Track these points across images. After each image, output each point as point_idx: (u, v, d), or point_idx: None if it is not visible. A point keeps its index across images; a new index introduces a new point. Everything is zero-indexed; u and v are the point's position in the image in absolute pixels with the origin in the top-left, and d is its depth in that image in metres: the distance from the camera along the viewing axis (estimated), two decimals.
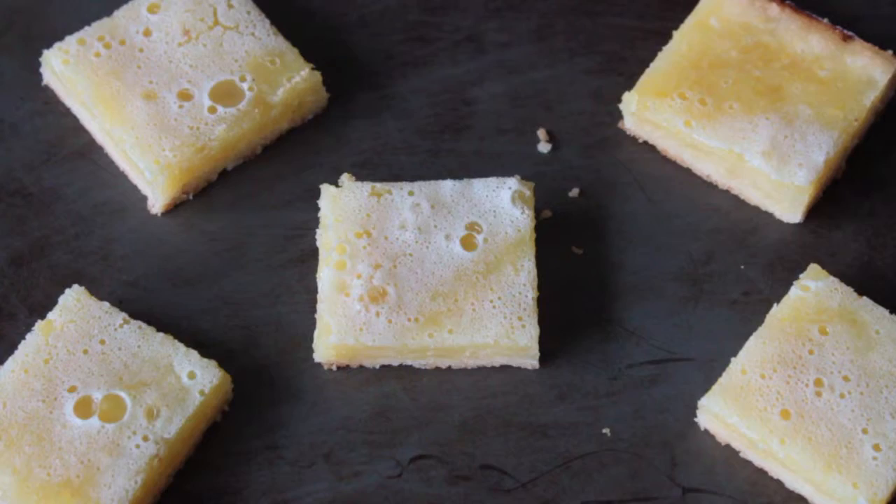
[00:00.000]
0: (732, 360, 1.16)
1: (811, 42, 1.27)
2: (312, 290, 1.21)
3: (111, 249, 1.24)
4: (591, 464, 1.16)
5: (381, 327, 1.17)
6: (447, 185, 1.22)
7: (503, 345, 1.17)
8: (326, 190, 1.23)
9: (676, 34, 1.29)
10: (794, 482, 1.15)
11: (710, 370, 1.18)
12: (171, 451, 1.13)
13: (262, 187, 1.27)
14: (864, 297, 1.18)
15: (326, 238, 1.20)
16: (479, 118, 1.30)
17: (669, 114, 1.25)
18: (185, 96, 1.25)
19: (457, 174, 1.26)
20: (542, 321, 1.19)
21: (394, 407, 1.18)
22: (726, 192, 1.27)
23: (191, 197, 1.26)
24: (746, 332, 1.18)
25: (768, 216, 1.26)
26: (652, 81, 1.26)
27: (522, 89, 1.31)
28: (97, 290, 1.21)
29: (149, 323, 1.19)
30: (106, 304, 1.17)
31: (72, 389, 1.13)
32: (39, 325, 1.16)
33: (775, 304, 1.19)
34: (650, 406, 1.18)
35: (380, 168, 1.28)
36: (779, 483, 1.15)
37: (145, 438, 1.12)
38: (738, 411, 1.14)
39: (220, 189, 1.27)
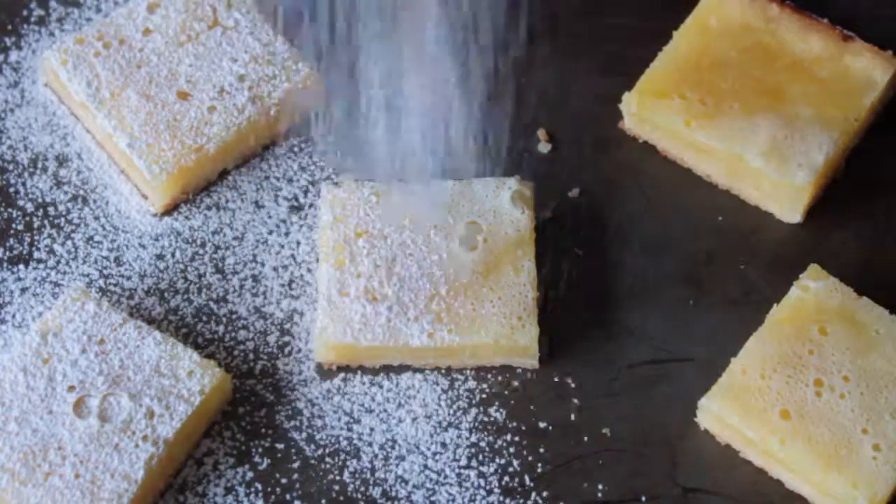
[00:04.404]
0: (732, 360, 1.16)
1: (811, 42, 1.27)
2: (313, 290, 1.21)
3: (111, 250, 1.24)
4: (591, 464, 1.16)
5: (381, 327, 1.17)
6: (447, 185, 1.22)
7: (503, 345, 1.17)
8: (326, 190, 1.23)
9: (676, 34, 1.29)
10: (794, 482, 1.15)
11: (710, 370, 1.18)
12: (171, 451, 1.12)
13: (262, 187, 1.27)
14: (864, 297, 1.18)
15: (326, 238, 1.20)
16: (480, 118, 1.30)
17: (669, 114, 1.25)
18: (184, 96, 1.25)
19: (457, 174, 1.26)
20: (542, 321, 1.19)
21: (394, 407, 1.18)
22: (726, 192, 1.27)
23: (191, 197, 1.26)
24: (746, 332, 1.18)
25: (768, 216, 1.26)
26: (652, 81, 1.26)
27: (522, 89, 1.31)
28: (97, 290, 1.21)
29: (149, 323, 1.19)
30: (106, 304, 1.17)
31: (71, 389, 1.13)
32: (39, 324, 1.16)
33: (775, 304, 1.19)
34: (650, 406, 1.18)
35: (380, 168, 1.27)
36: (779, 483, 1.15)
37: (145, 438, 1.12)
38: (738, 411, 1.14)
39: (220, 189, 1.27)
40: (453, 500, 1.14)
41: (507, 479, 1.15)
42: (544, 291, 1.21)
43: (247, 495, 1.14)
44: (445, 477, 1.15)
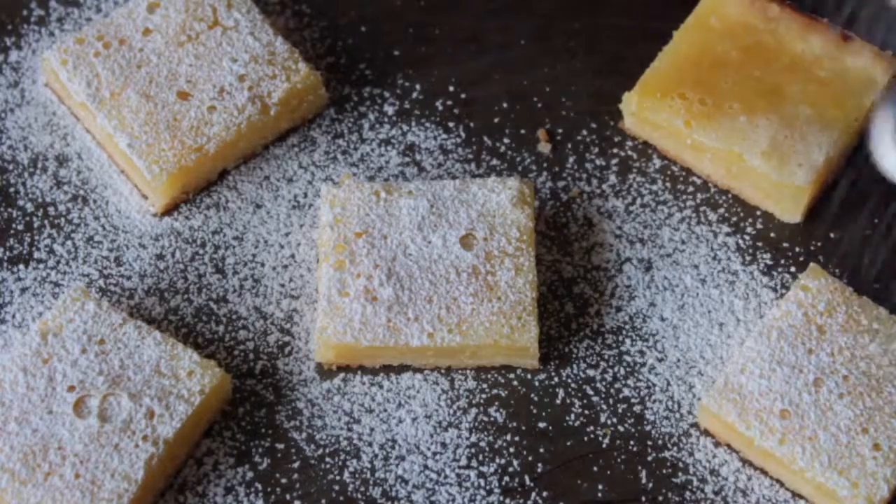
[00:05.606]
0: (732, 360, 1.16)
1: (811, 42, 1.27)
2: (312, 290, 1.21)
3: (111, 249, 1.24)
4: (591, 464, 1.16)
5: (381, 327, 1.17)
6: (447, 186, 1.22)
7: (503, 345, 1.17)
8: (326, 190, 1.23)
9: (676, 34, 1.29)
10: (794, 482, 1.15)
11: (711, 370, 1.18)
12: (171, 451, 1.12)
13: (262, 187, 1.27)
14: (864, 297, 1.18)
15: (326, 238, 1.20)
16: (479, 118, 1.30)
17: (669, 114, 1.25)
18: (184, 96, 1.25)
19: (457, 174, 1.26)
20: (542, 321, 1.19)
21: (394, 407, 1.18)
22: (726, 192, 1.27)
23: (191, 197, 1.26)
24: (746, 332, 1.18)
25: (768, 216, 1.26)
26: (652, 81, 1.26)
27: (522, 89, 1.32)
28: (97, 290, 1.21)
29: (149, 323, 1.19)
30: (106, 304, 1.17)
31: (71, 389, 1.13)
32: (39, 324, 1.16)
33: (775, 304, 1.19)
34: (650, 406, 1.18)
35: (380, 168, 1.28)
36: (779, 483, 1.15)
37: (145, 438, 1.12)
38: (738, 411, 1.14)
39: (220, 189, 1.27)
40: (453, 500, 1.14)
41: (507, 479, 1.15)
42: (544, 292, 1.21)
43: (247, 495, 1.14)
44: (445, 477, 1.15)
